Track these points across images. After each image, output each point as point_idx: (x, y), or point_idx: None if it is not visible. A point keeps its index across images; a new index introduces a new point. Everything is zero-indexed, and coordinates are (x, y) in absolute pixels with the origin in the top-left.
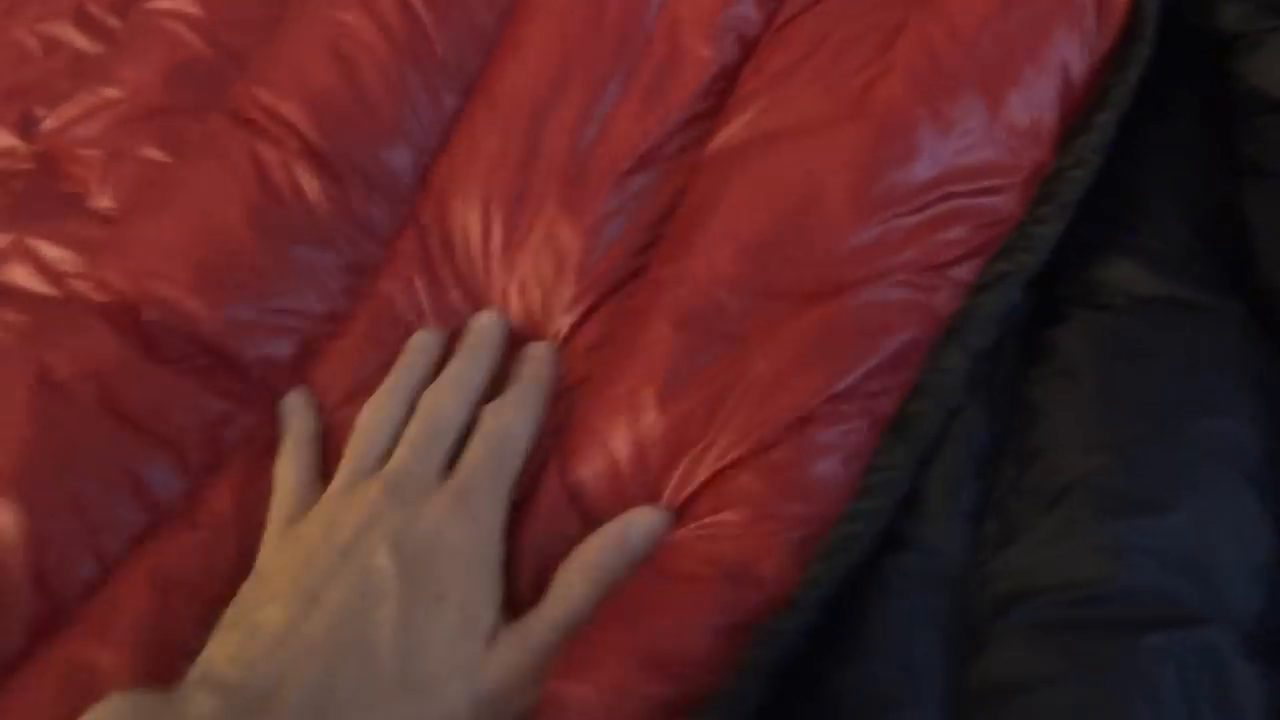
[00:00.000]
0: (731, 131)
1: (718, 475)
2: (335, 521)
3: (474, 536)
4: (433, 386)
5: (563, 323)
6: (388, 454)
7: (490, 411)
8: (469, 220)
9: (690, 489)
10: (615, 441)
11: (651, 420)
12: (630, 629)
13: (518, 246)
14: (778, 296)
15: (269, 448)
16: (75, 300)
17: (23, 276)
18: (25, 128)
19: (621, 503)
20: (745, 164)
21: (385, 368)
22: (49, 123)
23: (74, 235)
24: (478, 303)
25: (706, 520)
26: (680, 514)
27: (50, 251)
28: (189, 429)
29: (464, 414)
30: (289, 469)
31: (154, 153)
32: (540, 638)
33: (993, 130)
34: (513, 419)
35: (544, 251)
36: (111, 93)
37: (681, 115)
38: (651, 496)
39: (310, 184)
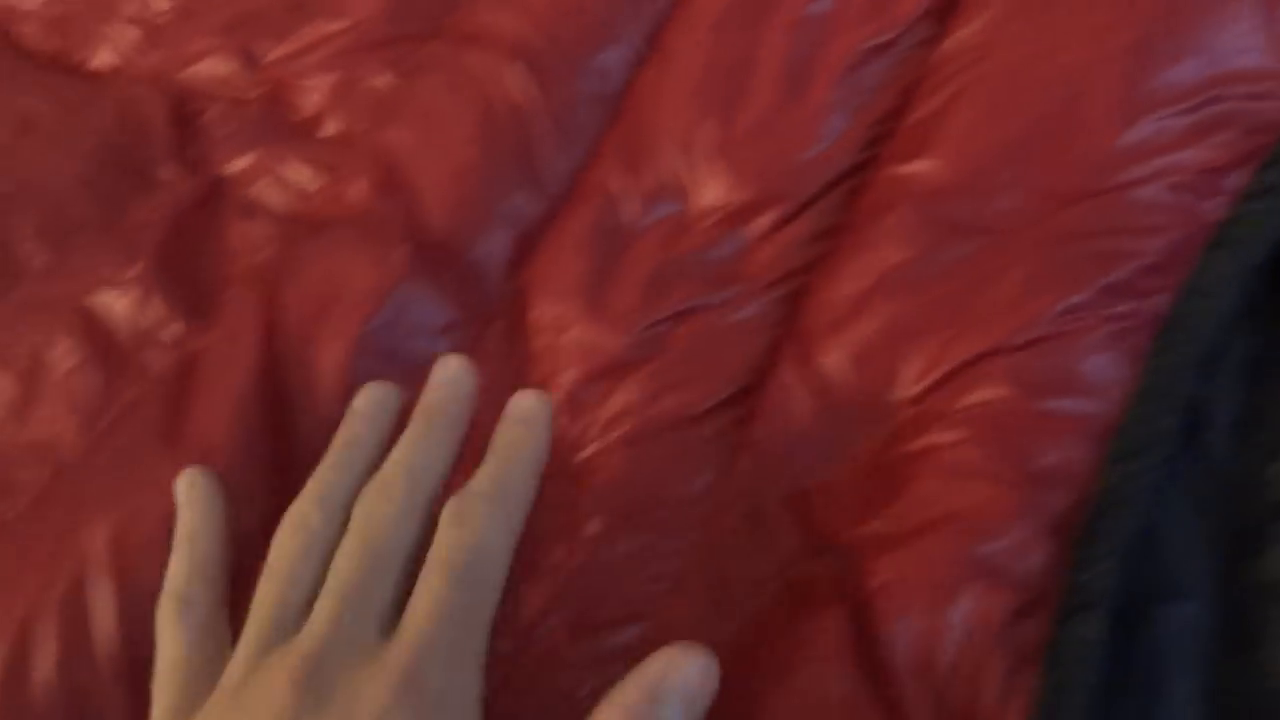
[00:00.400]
0: (973, 30)
1: (974, 363)
2: None
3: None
4: (372, 485)
5: (777, 213)
6: (317, 590)
7: (452, 517)
8: (677, 119)
9: (938, 374)
10: (861, 326)
11: (898, 307)
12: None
13: (732, 143)
14: (1038, 195)
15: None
16: (318, 214)
17: (269, 193)
18: (248, 61)
19: (867, 390)
20: (994, 62)
21: (595, 273)
22: (273, 55)
23: (311, 156)
24: (686, 200)
25: (964, 406)
26: (923, 401)
27: (292, 170)
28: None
29: (416, 523)
30: (174, 625)
31: (381, 80)
32: None
33: (1268, 33)
34: (485, 529)
35: (759, 146)
36: (334, 26)
37: (913, 12)
38: (892, 382)
39: (530, 94)
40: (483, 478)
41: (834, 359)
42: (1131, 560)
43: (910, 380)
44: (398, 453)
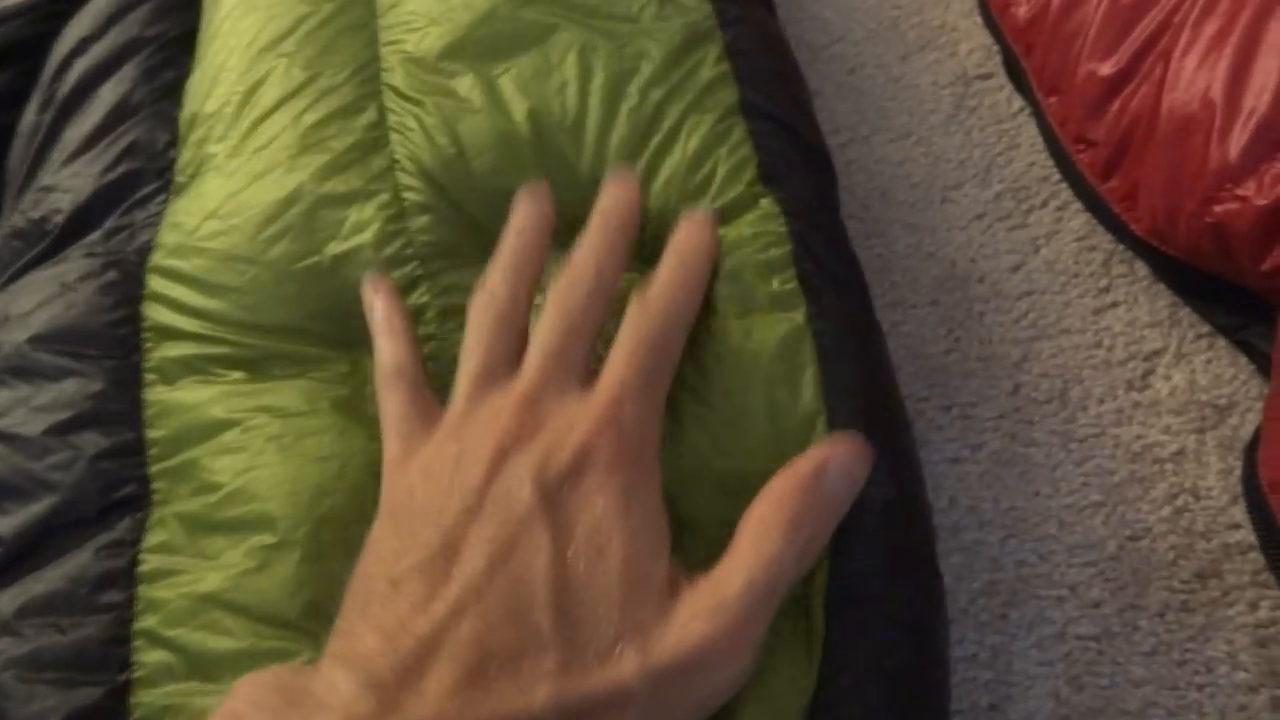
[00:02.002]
0: None
1: None
2: (465, 448)
3: (630, 461)
4: (566, 271)
5: None
6: (515, 355)
7: (638, 302)
8: None
9: None
10: None
11: None
12: None
13: None
14: None
15: None
16: None
17: None
18: None
19: None
20: None
21: None
22: None
23: None
24: None
25: None
26: None
27: None
28: None
29: (603, 305)
30: (395, 384)
31: None
32: (737, 603)
33: None
34: (665, 309)
35: None
36: None
37: None
38: None
39: None
40: (662, 268)
41: None
42: None
43: None
44: (582, 249)
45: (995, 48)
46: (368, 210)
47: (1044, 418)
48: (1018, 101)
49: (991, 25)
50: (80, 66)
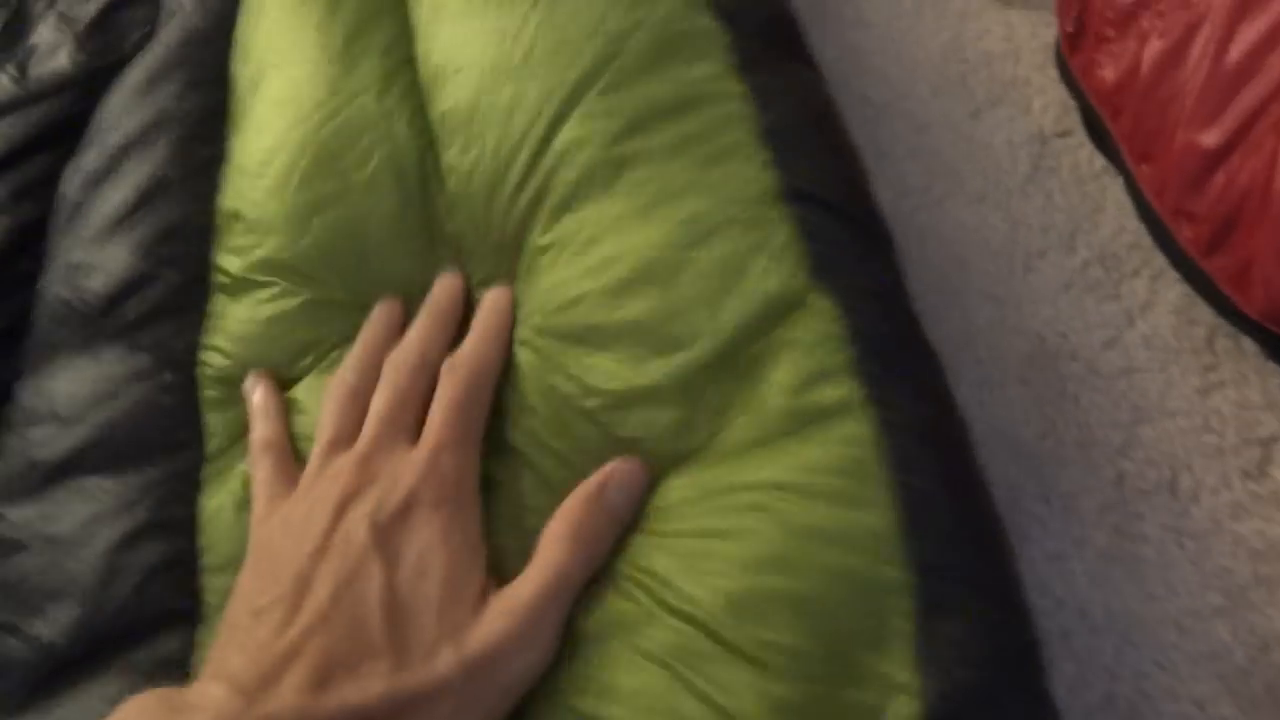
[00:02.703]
0: None
1: None
2: (314, 503)
3: (450, 498)
4: (394, 352)
5: None
6: (358, 428)
7: (447, 369)
8: None
9: None
10: None
11: None
12: None
13: None
14: None
15: None
16: None
17: None
18: None
19: None
20: None
21: None
22: None
23: None
24: None
25: None
26: None
27: None
28: None
29: (428, 374)
30: (264, 456)
31: None
32: (529, 603)
33: None
34: (471, 373)
35: None
36: None
37: None
38: None
39: None
40: (467, 340)
41: None
42: None
43: None
44: (411, 332)
45: (1072, 103)
46: None
47: (1153, 510)
48: (1100, 160)
49: (1071, 84)
50: (109, 140)
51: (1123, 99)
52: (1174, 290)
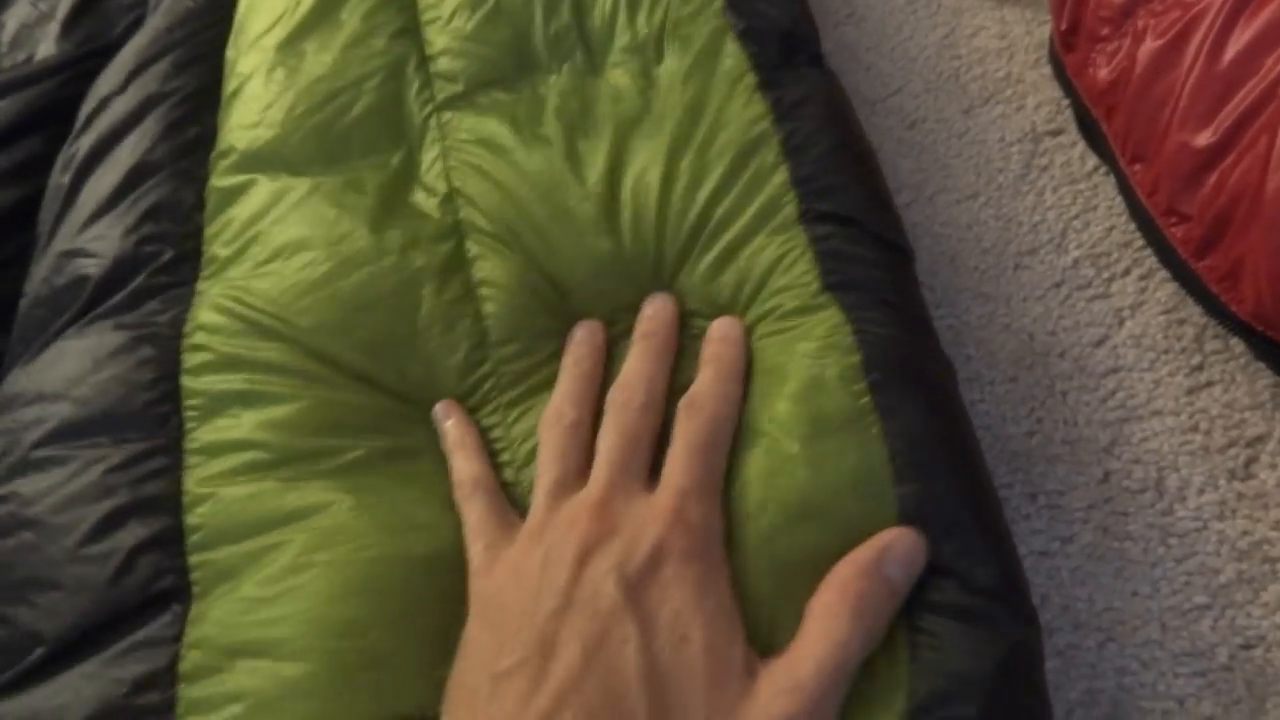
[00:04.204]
0: None
1: None
2: (550, 551)
3: (700, 553)
4: (616, 388)
5: None
6: (584, 468)
7: (685, 411)
8: None
9: None
10: None
11: None
12: None
13: None
14: None
15: None
16: None
17: None
18: None
19: None
20: None
21: None
22: None
23: None
24: None
25: None
26: None
27: None
28: None
29: (656, 413)
30: (474, 496)
31: None
32: (812, 681)
33: None
34: (712, 415)
35: None
36: None
37: None
38: None
39: None
40: (702, 378)
41: None
42: None
43: None
44: (632, 364)
45: (1066, 101)
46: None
47: (1139, 509)
48: (1092, 159)
49: (1065, 83)
50: (100, 124)
51: (1116, 98)
52: (1164, 290)
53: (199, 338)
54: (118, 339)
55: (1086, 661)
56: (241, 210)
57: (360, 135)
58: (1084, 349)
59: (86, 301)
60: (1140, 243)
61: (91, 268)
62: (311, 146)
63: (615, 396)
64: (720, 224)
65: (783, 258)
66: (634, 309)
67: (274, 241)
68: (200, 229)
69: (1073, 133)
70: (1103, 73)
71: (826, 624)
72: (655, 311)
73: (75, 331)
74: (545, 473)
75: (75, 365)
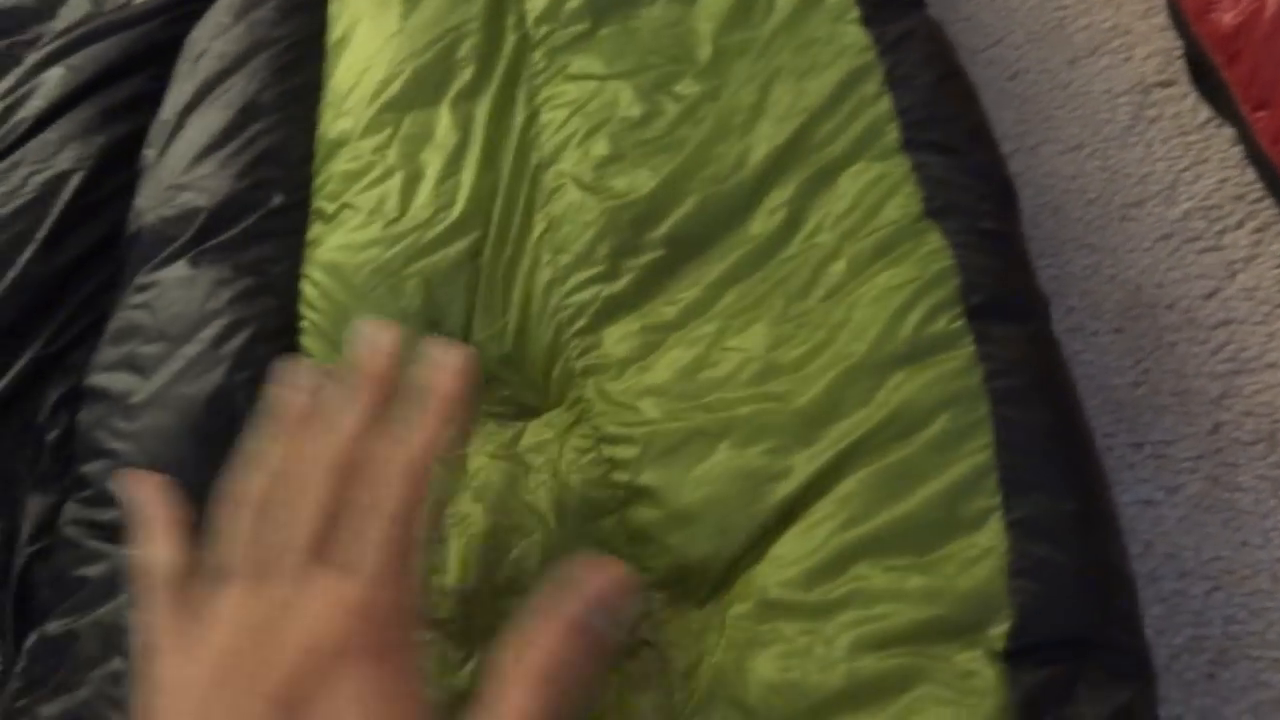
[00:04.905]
0: None
1: None
2: (212, 655)
3: (387, 644)
4: (318, 446)
5: None
6: (271, 548)
7: (390, 468)
8: None
9: None
10: None
11: None
12: None
13: None
14: None
15: None
16: None
17: None
18: None
19: None
20: None
21: None
22: None
23: None
24: None
25: None
26: None
27: None
28: None
29: (364, 478)
30: (154, 593)
31: None
32: None
33: None
34: (418, 470)
35: None
36: None
37: None
38: None
39: None
40: (415, 435)
41: None
42: None
43: None
44: (346, 421)
45: (1176, 52)
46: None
47: (1250, 461)
48: (1204, 112)
49: (1183, 29)
50: (206, 64)
51: (1241, 43)
52: (1279, 243)
53: (308, 290)
54: (241, 285)
55: (1192, 609)
56: (341, 166)
57: (461, 78)
58: (1193, 301)
59: (198, 234)
60: (1255, 196)
61: (202, 201)
62: (413, 92)
63: (315, 454)
64: (816, 147)
65: (883, 181)
66: (733, 231)
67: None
68: (310, 179)
69: (1184, 84)
70: (1227, 17)
71: (516, 697)
72: (373, 351)
73: (191, 265)
74: (223, 557)
75: (200, 307)
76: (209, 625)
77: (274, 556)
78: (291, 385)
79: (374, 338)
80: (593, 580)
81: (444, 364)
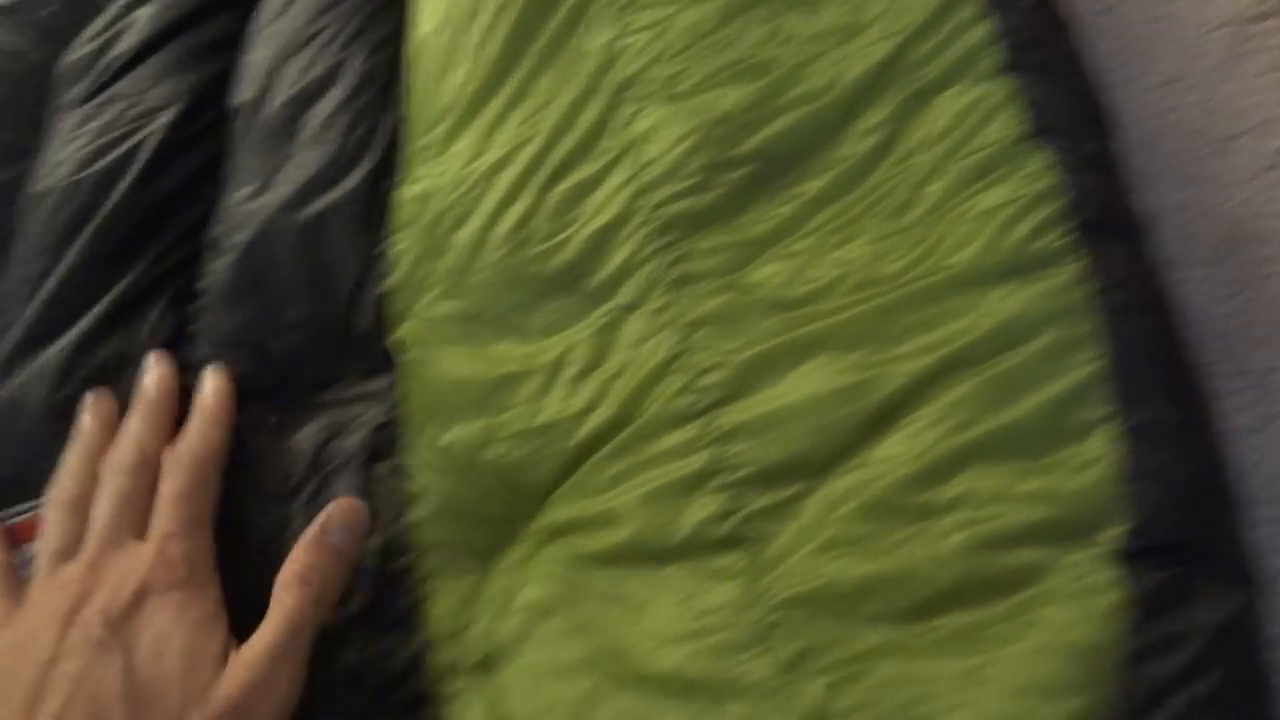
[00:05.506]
0: None
1: None
2: (42, 612)
3: (183, 581)
4: (111, 453)
5: None
6: (83, 535)
7: (169, 459)
8: None
9: None
10: None
11: None
12: None
13: None
14: None
15: None
16: None
17: None
18: None
19: None
20: None
21: None
22: None
23: None
24: None
25: None
26: None
27: None
28: None
29: (149, 469)
30: None
31: None
32: (266, 652)
33: None
34: (189, 460)
35: None
36: None
37: None
38: None
39: None
40: (189, 428)
41: None
42: None
43: None
44: (125, 426)
45: None
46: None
47: None
48: None
49: None
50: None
51: None
52: None
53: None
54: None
55: None
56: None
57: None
58: None
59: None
60: None
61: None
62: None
63: (108, 460)
64: (913, 68)
65: (983, 103)
66: (826, 150)
67: None
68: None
69: None
70: None
71: (279, 600)
72: (153, 378)
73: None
74: (45, 547)
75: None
76: (31, 597)
77: (78, 540)
78: (92, 410)
79: (153, 369)
80: (334, 509)
81: (207, 384)
